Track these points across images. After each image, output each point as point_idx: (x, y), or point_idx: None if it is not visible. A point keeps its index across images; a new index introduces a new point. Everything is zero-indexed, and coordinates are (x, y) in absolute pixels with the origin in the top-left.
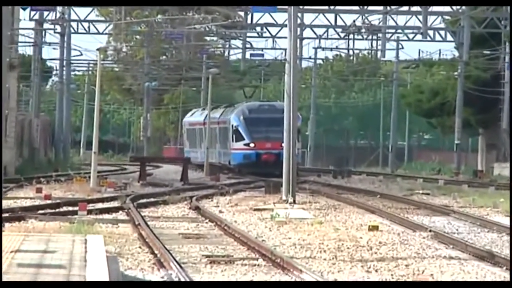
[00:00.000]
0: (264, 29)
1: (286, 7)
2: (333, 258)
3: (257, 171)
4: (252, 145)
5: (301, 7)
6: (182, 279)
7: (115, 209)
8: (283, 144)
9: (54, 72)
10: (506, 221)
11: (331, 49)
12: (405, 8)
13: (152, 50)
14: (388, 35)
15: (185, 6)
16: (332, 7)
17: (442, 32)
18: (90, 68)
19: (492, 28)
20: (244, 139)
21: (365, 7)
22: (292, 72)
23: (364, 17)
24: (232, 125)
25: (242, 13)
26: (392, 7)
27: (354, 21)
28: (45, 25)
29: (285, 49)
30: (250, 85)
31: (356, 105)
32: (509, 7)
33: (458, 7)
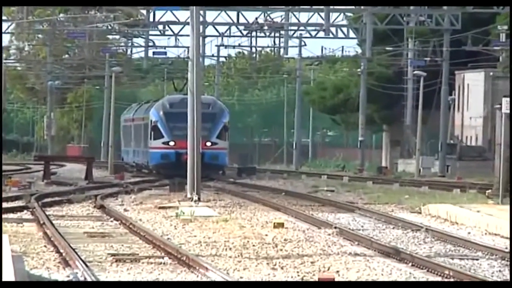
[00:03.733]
0: (167, 27)
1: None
2: (238, 256)
3: (177, 174)
4: (171, 143)
5: None
6: (88, 278)
7: (20, 208)
8: (207, 143)
9: None
10: (410, 217)
11: (234, 47)
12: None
13: (54, 49)
14: (290, 32)
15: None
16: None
17: (345, 29)
18: None
19: (394, 25)
20: (163, 136)
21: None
22: (195, 70)
23: (266, 15)
24: (151, 121)
25: (144, 11)
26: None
27: (256, 18)
28: None
29: (188, 47)
30: (181, 77)
31: (259, 102)
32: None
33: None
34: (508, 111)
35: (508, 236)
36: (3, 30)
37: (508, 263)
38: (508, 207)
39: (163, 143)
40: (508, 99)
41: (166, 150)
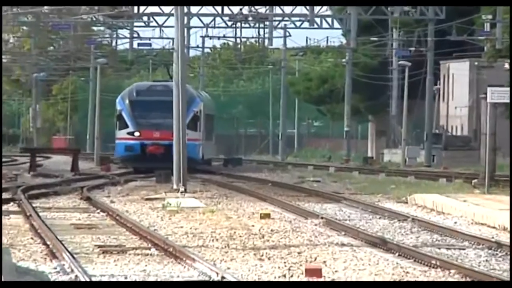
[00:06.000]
0: (151, 19)
1: None
2: (225, 247)
3: (142, 166)
4: (137, 134)
5: None
6: (75, 270)
7: (6, 201)
8: None
9: None
10: (396, 207)
11: (219, 38)
12: None
13: (39, 41)
14: (275, 23)
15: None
16: None
17: (329, 20)
18: None
19: (378, 15)
20: (127, 126)
21: None
22: (180, 61)
23: (251, 5)
24: (117, 110)
25: None
26: None
27: (241, 9)
28: None
29: (173, 38)
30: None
31: (245, 93)
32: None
33: None
34: (493, 101)
35: (495, 225)
36: None
37: (495, 252)
38: (494, 196)
39: (128, 133)
40: (493, 88)
41: (131, 141)
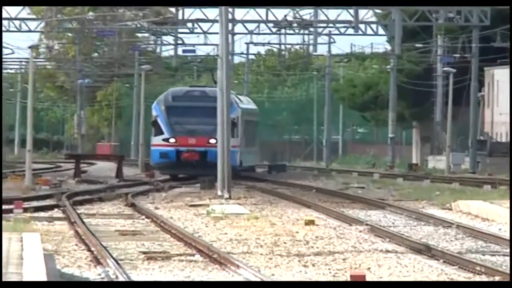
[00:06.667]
0: (196, 25)
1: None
2: (270, 253)
3: (178, 173)
4: (172, 140)
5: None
6: (120, 276)
7: (51, 207)
8: (211, 140)
9: None
10: (441, 214)
11: (263, 44)
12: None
13: (84, 48)
14: (319, 30)
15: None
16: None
17: (374, 26)
18: (23, 67)
19: (423, 21)
20: (163, 133)
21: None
22: (225, 67)
23: (295, 12)
24: (152, 116)
25: (173, 9)
26: None
27: (285, 15)
28: None
29: (217, 45)
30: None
31: (289, 100)
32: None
33: None
34: None
35: None
36: (32, 29)
37: None
38: None
39: (163, 140)
40: None
41: (166, 148)
